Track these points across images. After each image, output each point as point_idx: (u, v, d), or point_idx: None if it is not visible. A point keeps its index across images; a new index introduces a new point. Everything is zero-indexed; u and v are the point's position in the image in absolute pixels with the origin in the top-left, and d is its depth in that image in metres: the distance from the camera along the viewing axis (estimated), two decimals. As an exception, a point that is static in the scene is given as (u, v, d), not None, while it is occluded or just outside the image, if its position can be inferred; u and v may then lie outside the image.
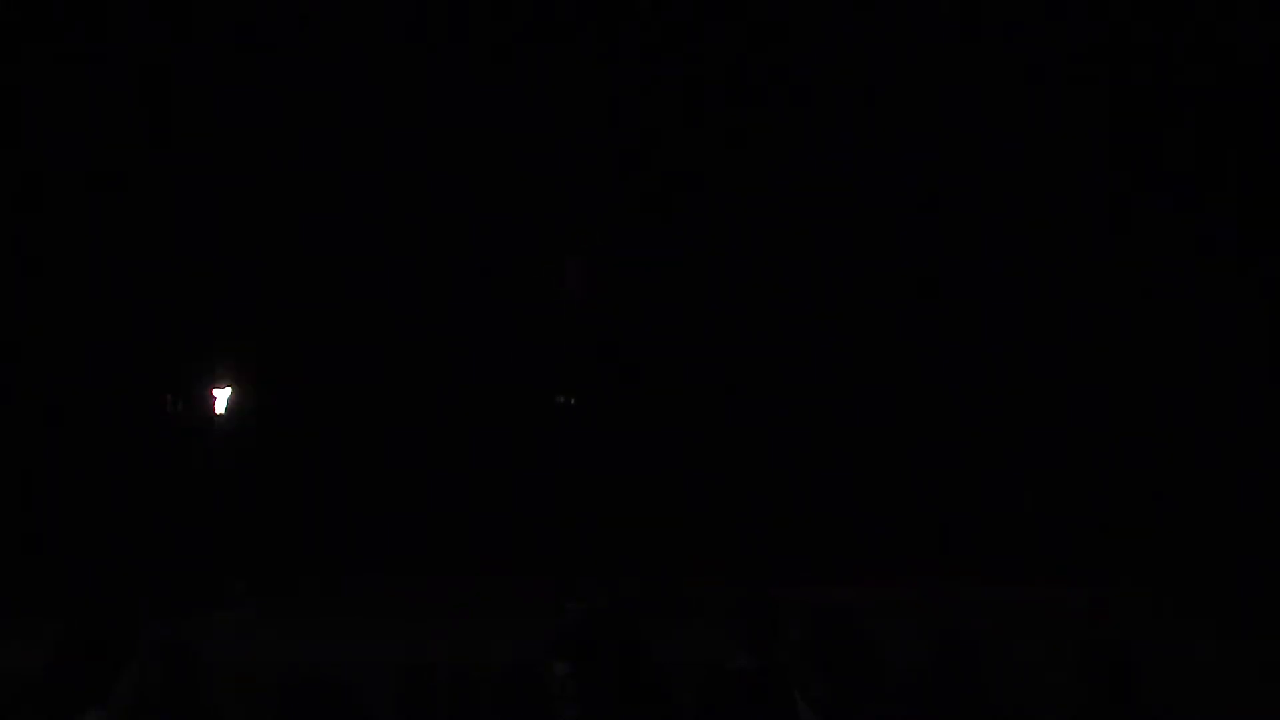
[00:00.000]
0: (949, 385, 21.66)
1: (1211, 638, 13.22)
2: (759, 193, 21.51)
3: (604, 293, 21.28)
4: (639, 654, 4.43)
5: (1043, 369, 21.43)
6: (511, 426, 21.49)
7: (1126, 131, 20.86)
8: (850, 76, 21.43)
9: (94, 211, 20.57)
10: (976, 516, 20.80)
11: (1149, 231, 20.72)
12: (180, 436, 19.81)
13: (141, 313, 20.40)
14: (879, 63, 21.40)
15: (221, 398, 19.23)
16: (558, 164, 21.26)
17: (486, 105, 21.43)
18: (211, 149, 20.60)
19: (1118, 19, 20.61)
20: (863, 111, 21.46)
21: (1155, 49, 20.40)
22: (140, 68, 20.40)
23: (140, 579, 17.57)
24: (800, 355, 21.78)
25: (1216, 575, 17.58)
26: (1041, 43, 21.02)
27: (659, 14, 21.14)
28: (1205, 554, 18.68)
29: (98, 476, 19.95)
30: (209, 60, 20.53)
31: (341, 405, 21.04)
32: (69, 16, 20.08)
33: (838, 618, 4.74)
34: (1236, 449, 20.22)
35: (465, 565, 19.41)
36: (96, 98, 20.29)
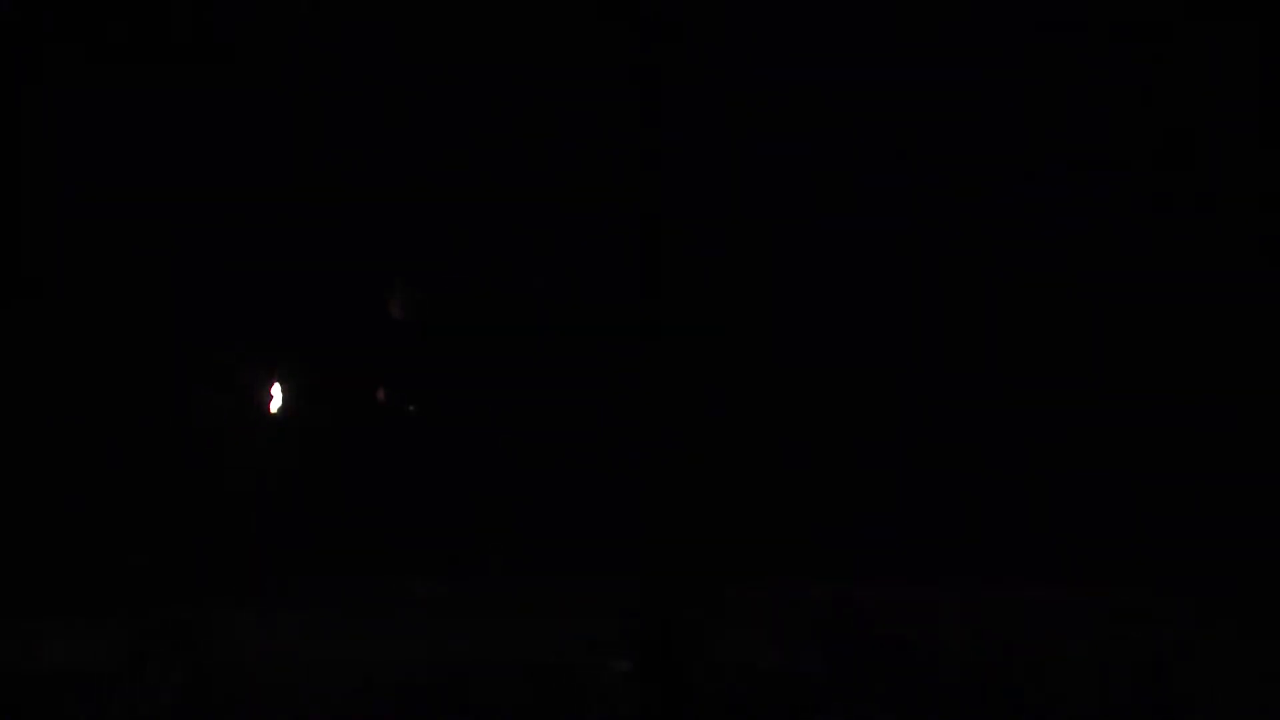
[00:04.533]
0: (1000, 382, 21.54)
1: (1255, 639, 13.11)
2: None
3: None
4: (692, 655, 4.40)
5: (1091, 363, 21.29)
6: (556, 423, 21.49)
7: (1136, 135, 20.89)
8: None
9: (154, 211, 20.65)
10: (1018, 516, 20.69)
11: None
12: (235, 433, 19.80)
13: (199, 308, 20.46)
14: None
15: (276, 395, 19.25)
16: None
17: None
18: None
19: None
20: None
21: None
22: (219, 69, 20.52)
23: (187, 573, 17.76)
24: (853, 351, 21.67)
25: (1263, 579, 17.54)
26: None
27: None
28: (1251, 558, 18.63)
29: (150, 473, 20.00)
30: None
31: (396, 403, 21.00)
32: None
33: (877, 618, 4.71)
34: None
35: (512, 566, 19.40)
36: (159, 94, 20.41)
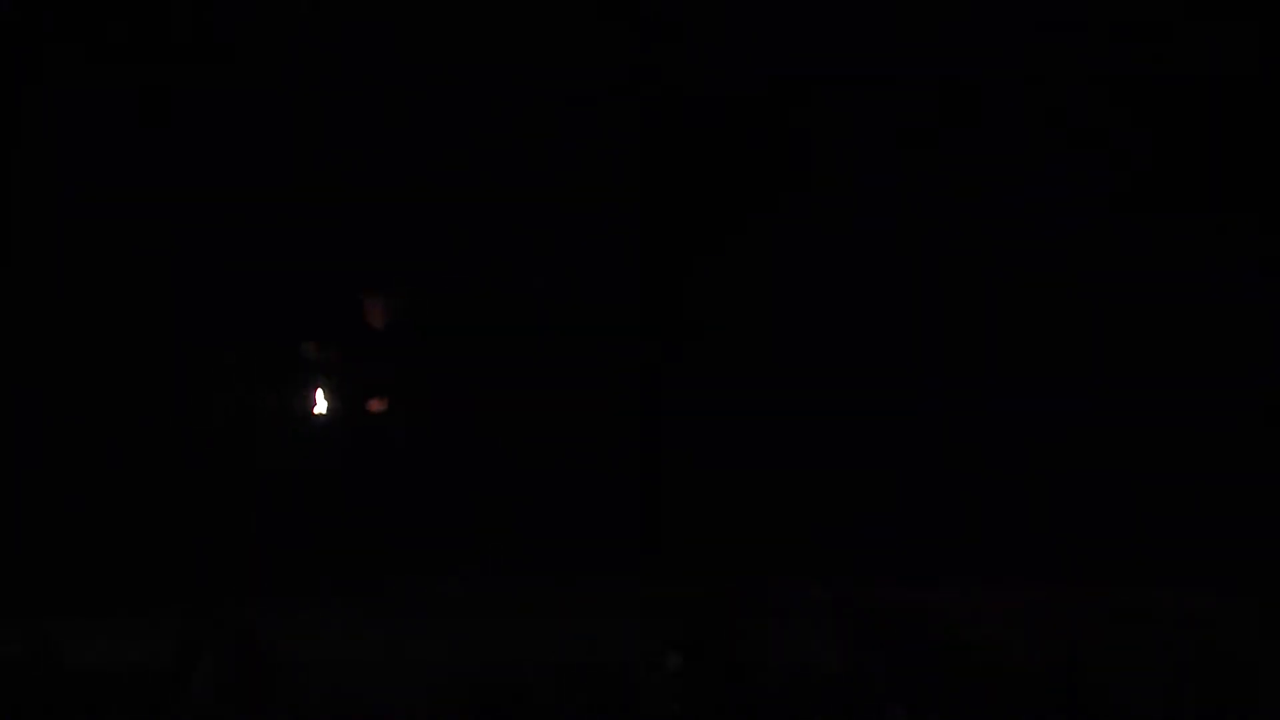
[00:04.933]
0: (1061, 384, 21.49)
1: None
2: None
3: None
4: (742, 651, 4.41)
5: (1143, 364, 21.20)
6: (603, 420, 21.48)
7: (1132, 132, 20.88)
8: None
9: (154, 212, 20.66)
10: (1075, 517, 20.61)
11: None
12: (280, 433, 19.79)
13: (247, 307, 20.47)
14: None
15: (321, 395, 19.22)
16: None
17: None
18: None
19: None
20: None
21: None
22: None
23: (233, 572, 17.84)
24: (903, 352, 21.63)
25: None
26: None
27: None
28: None
29: (196, 471, 20.00)
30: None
31: (439, 402, 20.98)
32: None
33: (928, 620, 4.71)
34: None
35: (562, 565, 19.36)
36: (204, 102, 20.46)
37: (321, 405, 19.27)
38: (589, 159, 21.74)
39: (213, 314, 20.80)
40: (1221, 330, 20.94)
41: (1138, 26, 20.79)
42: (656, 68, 21.75)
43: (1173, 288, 21.12)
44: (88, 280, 20.73)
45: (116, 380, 20.46)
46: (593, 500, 20.99)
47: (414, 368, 20.05)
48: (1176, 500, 20.28)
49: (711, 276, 21.94)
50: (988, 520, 20.56)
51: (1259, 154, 20.85)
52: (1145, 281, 21.22)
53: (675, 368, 21.85)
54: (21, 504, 19.56)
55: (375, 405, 19.71)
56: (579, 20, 21.43)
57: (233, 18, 20.90)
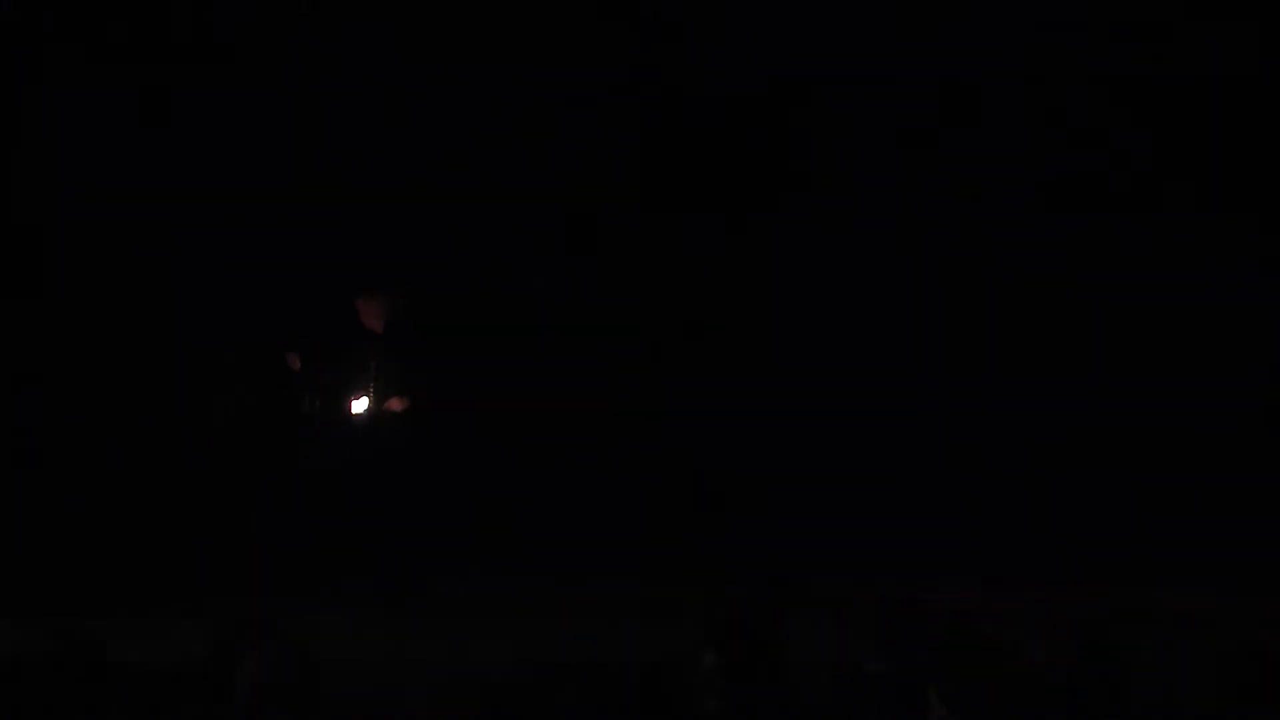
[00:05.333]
0: (1061, 385, 21.45)
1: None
2: None
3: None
4: (780, 648, 4.41)
5: (1143, 364, 21.15)
6: (642, 421, 21.48)
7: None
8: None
9: (154, 211, 20.68)
10: (1117, 519, 20.54)
11: None
12: (317, 436, 19.78)
13: (285, 308, 20.48)
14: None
15: (359, 398, 19.22)
16: None
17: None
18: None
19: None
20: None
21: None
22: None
23: (270, 575, 17.92)
24: (948, 354, 21.60)
25: None
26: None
27: None
28: None
29: (233, 474, 20.02)
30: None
31: (476, 405, 21.00)
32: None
33: (974, 619, 4.71)
34: None
35: (600, 565, 19.36)
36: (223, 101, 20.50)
37: (320, 407, 19.25)
38: (589, 159, 21.73)
39: (212, 314, 20.80)
40: (1221, 330, 20.94)
41: (1138, 26, 20.79)
42: (656, 68, 21.74)
43: (1173, 288, 21.13)
44: (90, 280, 20.73)
45: (122, 381, 20.50)
46: (592, 501, 21.01)
47: (414, 368, 20.02)
48: (1176, 500, 20.28)
49: (711, 276, 21.95)
50: (988, 521, 20.58)
51: (1259, 154, 20.86)
52: (1145, 281, 21.22)
53: (675, 368, 21.86)
54: (53, 502, 19.69)
55: (388, 406, 19.67)
56: (579, 20, 21.43)
57: (233, 18, 20.89)
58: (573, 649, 11.56)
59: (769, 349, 21.86)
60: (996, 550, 19.59)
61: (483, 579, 19.24)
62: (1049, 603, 15.80)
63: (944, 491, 20.82)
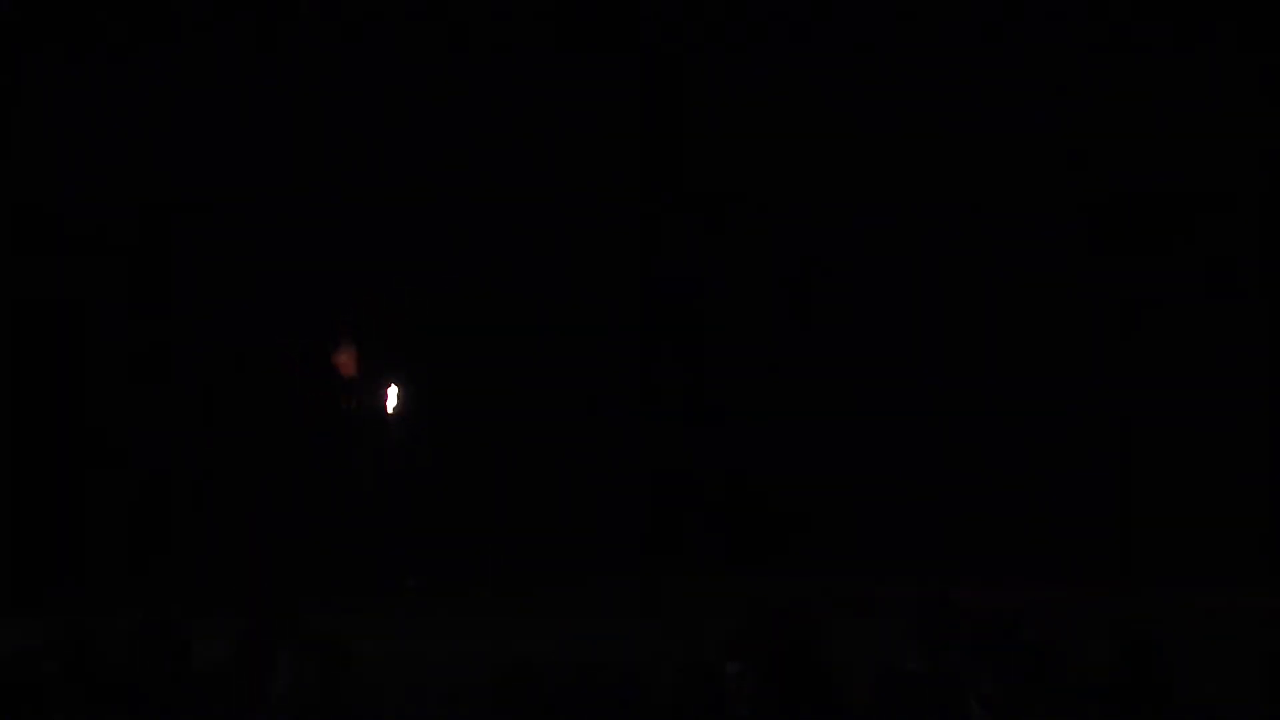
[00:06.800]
0: (1062, 384, 21.46)
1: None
2: None
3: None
4: (810, 653, 4.39)
5: (1144, 364, 21.16)
6: (675, 420, 21.49)
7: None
8: None
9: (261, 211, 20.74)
10: (1156, 517, 20.51)
11: None
12: (353, 432, 19.78)
13: (315, 308, 20.51)
14: None
15: (393, 394, 19.21)
16: None
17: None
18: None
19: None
20: None
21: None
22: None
23: (308, 575, 17.97)
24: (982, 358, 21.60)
25: None
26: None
27: None
28: None
29: (269, 473, 20.03)
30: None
31: (512, 404, 21.02)
32: None
33: (1010, 619, 4.70)
34: None
35: (636, 566, 19.36)
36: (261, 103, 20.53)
37: (323, 408, 19.25)
38: (589, 159, 21.73)
39: (211, 314, 20.77)
40: (1221, 330, 20.97)
41: (1137, 31, 20.88)
42: (656, 67, 21.77)
43: (1172, 290, 21.16)
44: (92, 281, 20.70)
45: (151, 382, 20.52)
46: (594, 500, 21.01)
47: (415, 368, 20.03)
48: (1218, 501, 20.30)
49: (711, 276, 21.97)
50: (987, 520, 20.62)
51: (1259, 154, 20.93)
52: (1145, 282, 21.26)
53: (675, 368, 21.88)
54: (85, 503, 19.83)
55: (386, 409, 19.68)
56: (579, 20, 21.43)
57: (233, 18, 20.85)
58: (599, 649, 11.57)
59: (769, 349, 21.90)
60: (1035, 551, 19.65)
61: (498, 579, 19.26)
62: (1089, 603, 15.80)
63: (983, 492, 20.85)
